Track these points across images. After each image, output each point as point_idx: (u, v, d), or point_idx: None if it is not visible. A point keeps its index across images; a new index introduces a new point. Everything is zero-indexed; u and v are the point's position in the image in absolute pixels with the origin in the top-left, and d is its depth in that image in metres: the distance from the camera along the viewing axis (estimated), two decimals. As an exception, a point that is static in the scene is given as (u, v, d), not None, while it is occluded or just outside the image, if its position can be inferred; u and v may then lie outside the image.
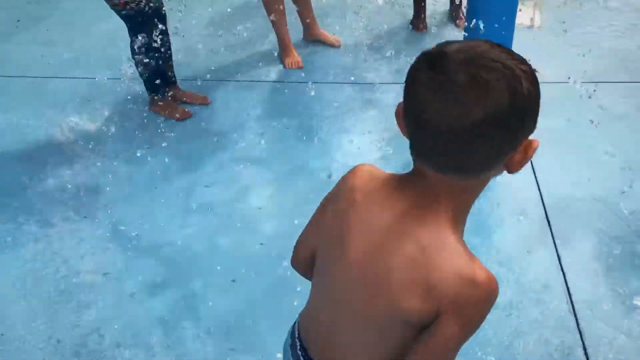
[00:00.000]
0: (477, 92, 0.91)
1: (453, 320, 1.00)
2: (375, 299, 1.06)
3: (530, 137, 0.99)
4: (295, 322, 1.33)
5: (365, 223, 1.09)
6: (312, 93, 3.67)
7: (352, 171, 1.18)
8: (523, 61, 0.96)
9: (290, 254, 1.31)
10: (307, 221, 1.27)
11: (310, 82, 3.75)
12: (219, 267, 2.60)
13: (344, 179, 1.18)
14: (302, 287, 1.35)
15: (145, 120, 3.51)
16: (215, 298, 2.48)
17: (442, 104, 0.92)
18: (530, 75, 0.95)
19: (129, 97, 3.69)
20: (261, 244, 2.70)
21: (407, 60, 3.94)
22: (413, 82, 0.97)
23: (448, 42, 0.99)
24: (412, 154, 1.03)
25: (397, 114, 1.05)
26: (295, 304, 1.96)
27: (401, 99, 1.02)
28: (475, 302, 1.00)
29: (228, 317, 2.40)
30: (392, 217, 1.05)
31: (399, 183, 1.09)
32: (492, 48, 0.95)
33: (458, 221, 1.04)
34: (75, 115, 3.59)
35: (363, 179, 1.14)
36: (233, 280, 2.55)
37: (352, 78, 3.77)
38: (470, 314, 1.01)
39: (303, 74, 3.89)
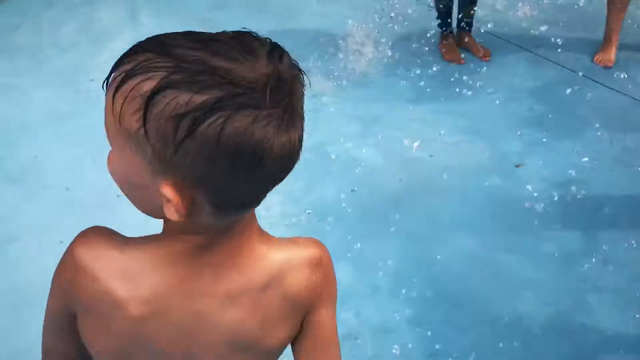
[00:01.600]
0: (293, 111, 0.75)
1: (324, 308, 0.92)
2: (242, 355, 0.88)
3: None
4: None
5: (172, 324, 0.83)
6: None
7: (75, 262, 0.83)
8: None
9: None
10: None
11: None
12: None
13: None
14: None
15: (420, 47, 3.53)
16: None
17: (283, 140, 0.72)
18: None
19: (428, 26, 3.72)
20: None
21: None
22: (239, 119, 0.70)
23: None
24: (210, 217, 0.77)
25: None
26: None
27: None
28: (328, 277, 0.92)
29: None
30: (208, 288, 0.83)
31: (184, 253, 0.81)
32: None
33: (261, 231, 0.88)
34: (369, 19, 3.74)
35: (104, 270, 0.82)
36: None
37: None
38: (331, 290, 0.94)
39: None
